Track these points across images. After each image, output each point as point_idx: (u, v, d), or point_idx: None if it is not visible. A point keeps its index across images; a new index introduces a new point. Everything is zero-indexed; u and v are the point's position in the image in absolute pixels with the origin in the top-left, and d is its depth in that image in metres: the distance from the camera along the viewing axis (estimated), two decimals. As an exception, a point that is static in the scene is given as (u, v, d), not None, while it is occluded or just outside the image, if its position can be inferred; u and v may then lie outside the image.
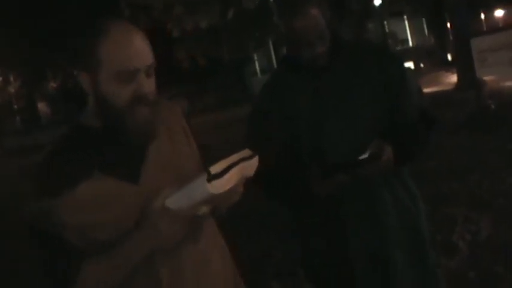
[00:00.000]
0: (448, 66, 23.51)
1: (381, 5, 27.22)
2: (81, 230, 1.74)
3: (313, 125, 2.48)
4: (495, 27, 23.59)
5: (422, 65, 30.54)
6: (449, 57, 26.72)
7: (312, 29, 2.39)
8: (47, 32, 27.49)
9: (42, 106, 38.84)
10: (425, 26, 34.87)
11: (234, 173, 1.62)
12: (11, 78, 32.41)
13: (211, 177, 1.56)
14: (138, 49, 1.76)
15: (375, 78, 2.47)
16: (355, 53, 2.56)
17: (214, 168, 1.58)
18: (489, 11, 29.01)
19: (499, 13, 29.73)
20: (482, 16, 30.13)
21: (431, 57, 30.47)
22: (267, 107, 2.60)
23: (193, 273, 1.88)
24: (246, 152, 1.70)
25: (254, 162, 1.71)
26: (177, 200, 1.66)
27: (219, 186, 1.57)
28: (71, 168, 1.76)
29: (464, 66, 15.41)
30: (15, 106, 34.91)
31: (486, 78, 12.96)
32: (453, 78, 18.60)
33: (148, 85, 1.79)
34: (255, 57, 30.31)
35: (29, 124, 36.51)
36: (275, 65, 32.54)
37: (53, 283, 1.80)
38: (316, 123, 2.47)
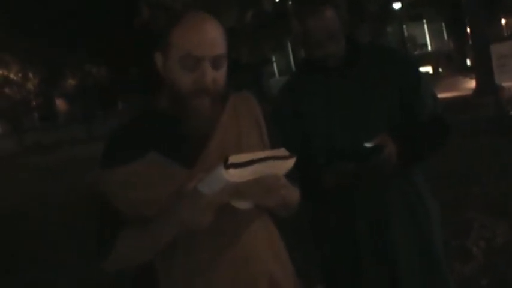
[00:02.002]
0: (466, 72, 23.40)
1: (400, 8, 27.13)
2: (132, 203, 1.80)
3: (327, 126, 2.49)
4: (515, 33, 23.38)
5: (441, 70, 30.43)
6: (468, 62, 26.58)
7: (325, 29, 2.40)
8: (67, 30, 27.65)
9: (60, 103, 39.05)
10: (444, 31, 34.71)
11: (258, 167, 1.61)
12: (30, 75, 32.58)
13: (230, 165, 1.55)
14: (207, 38, 1.79)
15: (389, 82, 2.48)
16: (370, 56, 2.57)
17: (237, 158, 1.58)
18: (510, 17, 28.78)
19: (519, 19, 29.47)
20: (503, 21, 29.91)
21: (450, 62, 30.33)
22: (283, 108, 2.60)
23: (229, 267, 1.88)
24: (281, 152, 1.70)
25: (289, 163, 1.71)
26: (205, 185, 1.65)
27: (236, 175, 1.57)
28: (131, 146, 1.83)
29: (483, 71, 15.33)
30: (34, 103, 35.09)
31: (505, 84, 12.86)
32: (472, 83, 18.52)
33: (213, 76, 1.80)
34: (273, 59, 30.32)
35: (47, 121, 36.75)
36: (293, 67, 32.54)
37: (100, 249, 1.88)
38: (329, 124, 2.49)
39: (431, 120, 2.53)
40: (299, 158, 2.02)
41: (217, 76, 1.81)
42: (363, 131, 2.43)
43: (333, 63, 2.48)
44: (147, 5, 9.80)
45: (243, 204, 1.74)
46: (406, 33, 30.75)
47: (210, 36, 1.79)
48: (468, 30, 21.53)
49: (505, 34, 26.22)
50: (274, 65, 33.07)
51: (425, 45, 36.20)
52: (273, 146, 1.90)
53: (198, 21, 1.81)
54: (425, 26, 35.76)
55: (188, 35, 1.78)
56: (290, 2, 9.86)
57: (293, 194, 1.91)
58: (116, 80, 32.83)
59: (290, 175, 1.76)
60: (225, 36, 1.87)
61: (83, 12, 27.82)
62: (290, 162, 1.71)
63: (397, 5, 26.81)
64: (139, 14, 9.88)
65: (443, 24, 33.91)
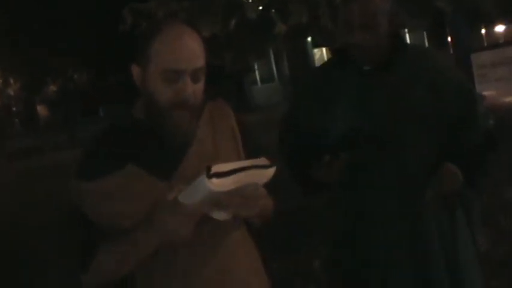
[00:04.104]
0: (448, 80, 23.40)
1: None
2: (110, 215, 1.81)
3: (354, 120, 2.41)
4: (496, 43, 23.57)
5: (422, 78, 30.47)
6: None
7: (362, 14, 2.32)
8: (49, 35, 27.46)
9: (41, 109, 38.73)
10: (426, 40, 34.85)
11: (240, 176, 1.62)
12: (11, 81, 32.31)
13: (213, 175, 1.56)
14: (187, 51, 1.80)
15: (433, 93, 2.40)
16: (414, 56, 2.49)
17: (219, 167, 1.59)
18: (490, 27, 28.98)
19: (499, 28, 29.72)
20: (483, 31, 30.10)
21: (431, 71, 30.41)
22: (303, 102, 2.59)
23: (209, 278, 1.89)
24: (262, 161, 1.72)
25: (269, 172, 1.72)
26: (186, 195, 1.67)
27: (218, 185, 1.58)
28: (108, 157, 1.84)
29: (464, 80, 15.38)
30: (14, 109, 34.82)
31: (486, 93, 12.97)
32: (453, 92, 18.54)
33: (192, 89, 1.81)
34: (256, 67, 30.30)
35: (28, 127, 36.42)
36: (275, 75, 32.52)
37: (80, 261, 1.88)
38: (361, 118, 2.41)
39: (482, 142, 2.48)
40: (310, 150, 2.00)
41: (196, 89, 1.83)
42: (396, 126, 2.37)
43: (371, 58, 2.41)
44: (131, 12, 9.79)
45: (222, 215, 1.75)
46: (388, 42, 30.80)
47: (190, 50, 1.80)
48: (449, 39, 21.64)
49: (486, 44, 26.39)
50: (257, 72, 33.04)
51: (407, 53, 36.32)
52: (249, 154, 1.92)
53: (178, 34, 1.81)
54: (407, 36, 35.90)
55: (168, 48, 1.78)
56: (273, 11, 9.88)
57: (269, 204, 1.93)
58: (97, 87, 32.66)
59: (267, 184, 1.77)
60: (204, 47, 1.87)
61: (65, 17, 27.62)
62: (270, 171, 1.72)
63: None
64: (123, 21, 9.85)
65: (425, 34, 34.04)
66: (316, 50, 30.73)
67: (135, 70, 1.87)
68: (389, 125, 2.38)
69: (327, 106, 2.49)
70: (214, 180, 1.58)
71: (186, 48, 1.80)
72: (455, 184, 2.33)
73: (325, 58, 27.25)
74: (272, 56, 31.68)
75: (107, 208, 1.81)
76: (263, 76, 33.83)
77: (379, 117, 2.40)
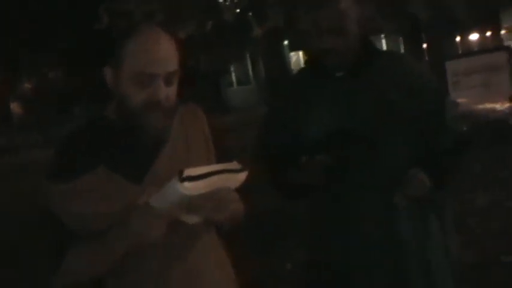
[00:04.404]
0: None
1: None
2: (80, 218, 1.79)
3: (325, 126, 2.42)
4: (469, 51, 23.83)
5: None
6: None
7: (329, 20, 2.33)
8: (23, 33, 27.19)
9: (14, 107, 38.32)
10: (402, 46, 35.06)
11: (212, 180, 1.64)
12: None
13: (185, 179, 1.57)
14: (160, 55, 1.80)
15: (404, 97, 2.41)
16: (386, 61, 2.50)
17: (192, 171, 1.61)
18: (464, 34, 29.27)
19: (473, 37, 30.03)
20: (458, 39, 30.41)
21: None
22: (280, 106, 2.61)
23: (178, 281, 1.90)
24: (234, 165, 1.73)
25: (241, 176, 1.74)
26: (158, 199, 1.67)
27: (191, 188, 1.59)
28: (79, 158, 1.83)
29: (439, 87, 15.54)
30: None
31: (459, 100, 13.13)
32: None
33: (166, 92, 1.81)
34: (232, 69, 30.35)
35: (1, 125, 36.02)
36: (252, 77, 32.54)
37: (50, 262, 1.87)
38: (332, 125, 2.42)
39: (452, 142, 2.50)
40: (288, 154, 2.01)
41: (169, 92, 1.83)
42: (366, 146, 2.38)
43: (342, 63, 2.41)
44: (107, 11, 9.74)
45: (193, 219, 1.76)
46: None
47: (163, 53, 1.81)
48: (425, 46, 21.82)
49: (460, 52, 26.66)
50: (233, 74, 33.05)
51: (383, 59, 36.48)
52: (220, 158, 1.93)
53: (151, 37, 1.81)
54: (383, 41, 36.11)
55: (141, 52, 1.79)
56: (250, 14, 9.92)
57: (241, 208, 1.94)
58: (72, 85, 32.37)
59: (238, 188, 1.79)
60: (178, 51, 1.87)
61: (42, 14, 27.37)
62: (242, 176, 1.74)
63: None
64: (99, 21, 9.80)
65: (402, 39, 34.27)
66: (292, 53, 30.83)
67: (108, 72, 1.87)
68: (361, 129, 2.40)
69: (302, 112, 2.51)
70: (187, 184, 1.58)
71: (159, 52, 1.80)
72: (421, 190, 2.36)
73: (302, 61, 27.36)
74: (248, 59, 31.71)
75: (78, 210, 1.80)
76: (239, 78, 33.85)
77: (352, 122, 2.42)
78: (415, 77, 2.48)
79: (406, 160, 2.40)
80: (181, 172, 1.59)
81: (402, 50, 35.15)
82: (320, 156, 2.28)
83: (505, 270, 4.83)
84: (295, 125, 2.51)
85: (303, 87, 2.57)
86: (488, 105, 15.24)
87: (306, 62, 2.66)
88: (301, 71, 2.70)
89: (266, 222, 6.17)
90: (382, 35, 35.67)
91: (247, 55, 29.97)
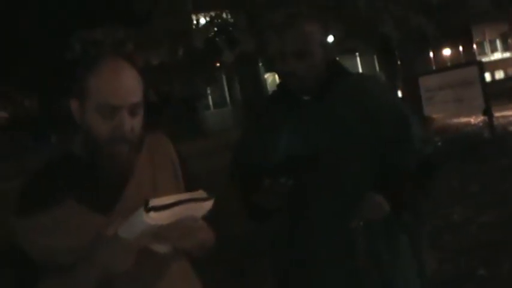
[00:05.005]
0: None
1: (333, 41, 27.61)
2: (49, 251, 1.77)
3: (292, 152, 2.41)
4: (442, 66, 24.11)
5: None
6: (399, 93, 27.17)
7: (292, 44, 2.32)
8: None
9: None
10: (376, 63, 35.38)
11: (178, 210, 1.62)
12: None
13: (150, 209, 1.56)
14: (124, 87, 1.78)
15: (367, 119, 2.40)
16: (352, 84, 2.48)
17: (157, 201, 1.59)
18: (437, 50, 29.66)
19: (446, 52, 30.43)
20: (431, 54, 30.77)
21: (382, 94, 30.81)
22: (252, 134, 2.61)
23: None
24: (200, 193, 1.72)
25: (207, 204, 1.72)
26: (125, 229, 1.65)
27: (156, 218, 1.58)
28: (46, 192, 1.80)
29: (413, 103, 15.73)
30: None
31: (433, 115, 13.26)
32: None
33: (131, 123, 1.80)
34: (208, 91, 30.41)
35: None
36: (228, 99, 32.61)
37: None
38: (296, 150, 2.41)
39: (417, 164, 2.46)
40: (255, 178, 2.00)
41: (134, 123, 1.82)
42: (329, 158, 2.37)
43: (307, 87, 2.40)
44: (78, 40, 9.75)
45: (161, 248, 1.75)
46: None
47: (127, 85, 1.79)
48: (399, 62, 22.05)
49: (434, 66, 26.98)
50: (210, 97, 33.11)
51: (358, 77, 36.73)
52: (189, 186, 1.91)
53: (114, 69, 1.80)
54: (358, 59, 36.42)
55: (105, 83, 1.77)
56: (217, 39, 9.97)
57: (209, 235, 1.93)
58: (48, 113, 32.22)
59: (206, 216, 1.77)
60: (142, 82, 1.86)
61: (15, 41, 27.24)
62: (208, 204, 1.73)
63: (329, 39, 27.28)
64: (71, 50, 9.81)
65: (375, 57, 34.59)
66: (268, 75, 30.95)
67: (73, 104, 1.85)
68: (325, 153, 2.39)
69: (269, 134, 2.50)
70: (152, 213, 1.57)
71: (123, 84, 1.79)
72: (378, 213, 2.34)
73: (277, 82, 27.42)
74: (224, 81, 31.82)
75: (46, 243, 1.78)
76: (216, 101, 33.93)
77: (311, 147, 2.41)
78: (376, 101, 2.46)
79: (367, 184, 2.39)
80: (147, 202, 1.58)
81: (377, 68, 35.65)
82: (281, 179, 2.26)
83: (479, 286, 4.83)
84: (263, 147, 2.51)
85: (272, 110, 2.57)
86: (463, 119, 15.46)
87: (277, 86, 2.66)
88: (273, 93, 2.71)
89: (242, 244, 6.13)
90: (357, 53, 36.07)
91: (223, 77, 30.08)
